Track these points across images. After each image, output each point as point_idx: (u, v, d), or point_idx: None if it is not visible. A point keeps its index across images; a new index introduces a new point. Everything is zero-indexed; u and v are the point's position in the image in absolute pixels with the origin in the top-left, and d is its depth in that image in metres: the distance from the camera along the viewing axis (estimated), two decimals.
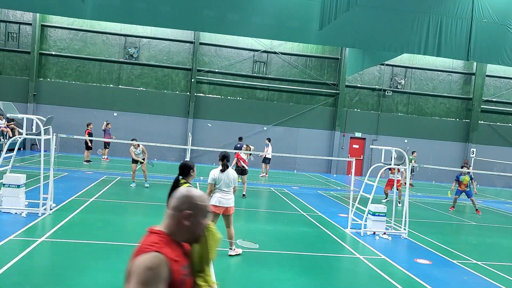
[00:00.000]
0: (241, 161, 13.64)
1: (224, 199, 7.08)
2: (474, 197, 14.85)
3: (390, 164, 10.48)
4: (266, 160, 20.74)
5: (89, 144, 19.22)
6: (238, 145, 18.66)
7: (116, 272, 6.09)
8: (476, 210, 14.59)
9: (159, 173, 17.17)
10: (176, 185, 5.17)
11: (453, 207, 14.94)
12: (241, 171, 13.42)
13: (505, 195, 22.15)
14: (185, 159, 5.60)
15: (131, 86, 23.71)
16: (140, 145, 13.48)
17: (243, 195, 13.34)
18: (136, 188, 13.37)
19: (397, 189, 13.68)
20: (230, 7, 13.02)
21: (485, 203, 17.65)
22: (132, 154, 13.46)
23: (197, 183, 15.82)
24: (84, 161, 19.11)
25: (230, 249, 7.31)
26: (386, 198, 14.86)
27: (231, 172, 7.24)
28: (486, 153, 25.87)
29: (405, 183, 10.63)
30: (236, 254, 7.33)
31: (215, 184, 7.10)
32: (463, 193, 14.61)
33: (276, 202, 13.53)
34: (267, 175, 20.44)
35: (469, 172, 14.81)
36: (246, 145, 14.42)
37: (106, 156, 20.83)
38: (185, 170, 5.42)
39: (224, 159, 7.11)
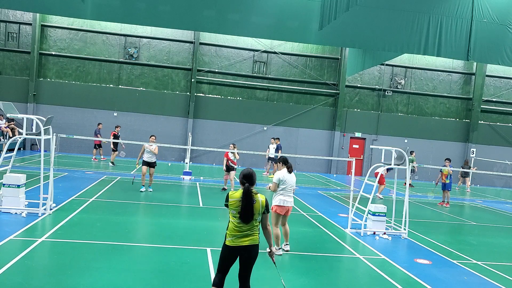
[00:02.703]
0: (229, 161, 14.11)
1: (287, 200, 7.74)
2: (468, 196, 15.23)
3: (390, 164, 10.48)
4: (270, 159, 20.56)
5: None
6: (279, 145, 20.21)
7: (116, 272, 6.09)
8: (446, 202, 15.25)
9: (159, 173, 17.15)
10: (250, 197, 4.59)
11: (443, 202, 15.43)
12: (227, 169, 14.25)
13: (505, 195, 22.14)
14: (246, 168, 4.86)
15: (131, 86, 23.70)
16: (155, 144, 12.73)
17: (224, 189, 14.70)
18: (137, 188, 13.31)
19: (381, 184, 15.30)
20: (230, 7, 13.02)
21: (485, 203, 17.65)
22: (141, 150, 12.61)
23: (197, 183, 15.82)
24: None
25: (286, 244, 7.96)
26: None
27: (293, 175, 7.89)
28: (486, 153, 25.88)
29: (405, 183, 10.62)
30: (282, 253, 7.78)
31: (278, 185, 7.64)
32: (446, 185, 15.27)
33: None
34: (269, 174, 20.28)
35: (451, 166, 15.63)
36: (233, 144, 14.49)
37: (102, 156, 20.90)
38: (254, 179, 4.75)
39: (288, 162, 7.79)
